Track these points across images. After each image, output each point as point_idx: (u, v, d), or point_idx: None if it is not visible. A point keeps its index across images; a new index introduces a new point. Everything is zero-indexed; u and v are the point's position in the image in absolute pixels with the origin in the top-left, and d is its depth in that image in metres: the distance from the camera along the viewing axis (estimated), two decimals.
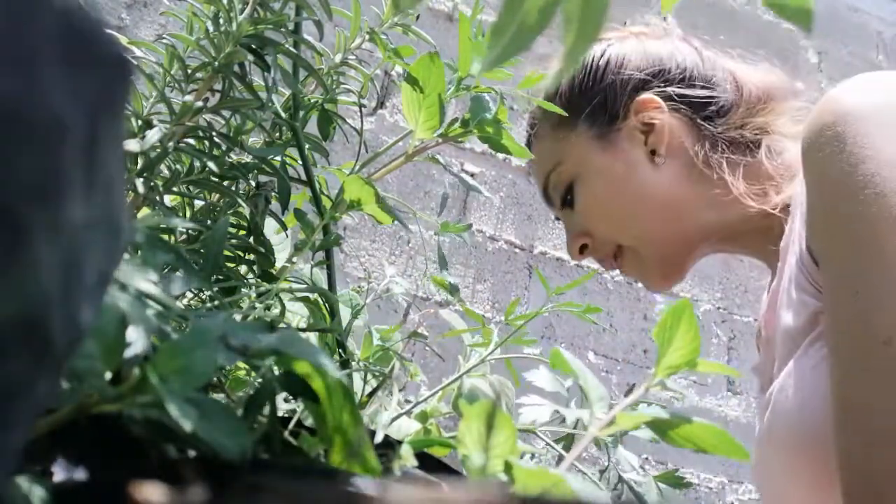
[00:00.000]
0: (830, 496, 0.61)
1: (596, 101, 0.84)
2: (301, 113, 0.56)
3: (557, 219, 0.95)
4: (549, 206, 0.92)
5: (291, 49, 0.53)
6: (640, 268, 0.87)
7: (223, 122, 0.54)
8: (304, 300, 0.55)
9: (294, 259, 0.57)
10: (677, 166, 0.82)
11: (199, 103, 0.50)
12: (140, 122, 0.50)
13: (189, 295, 0.51)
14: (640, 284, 1.98)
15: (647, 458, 1.72)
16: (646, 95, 0.83)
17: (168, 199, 0.53)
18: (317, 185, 0.57)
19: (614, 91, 0.84)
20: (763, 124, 0.82)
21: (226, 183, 0.53)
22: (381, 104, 1.88)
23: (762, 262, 0.87)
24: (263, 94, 0.52)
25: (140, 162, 0.48)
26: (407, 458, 0.31)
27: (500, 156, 1.91)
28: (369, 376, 0.60)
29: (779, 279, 0.74)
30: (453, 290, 0.63)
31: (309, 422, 0.32)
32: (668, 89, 0.83)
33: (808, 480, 0.63)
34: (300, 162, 0.57)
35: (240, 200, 0.53)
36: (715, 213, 0.81)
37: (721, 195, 0.79)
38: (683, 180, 0.82)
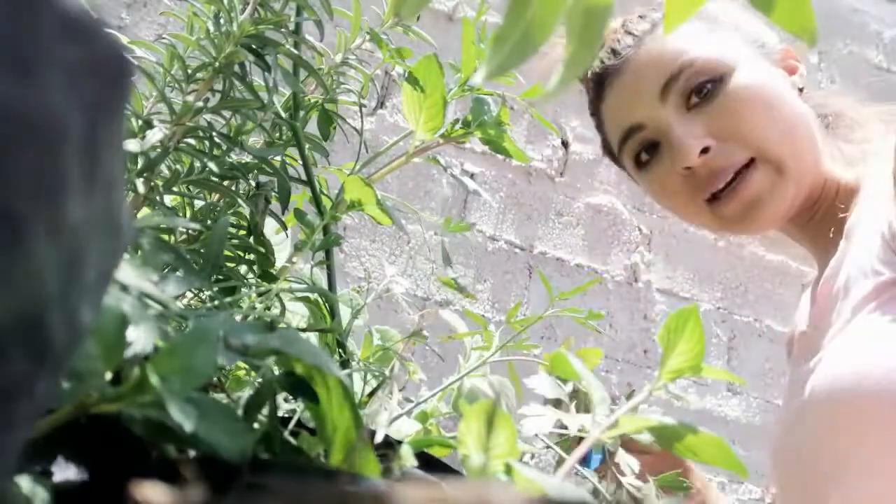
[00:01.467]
0: None
1: (762, 26, 0.85)
2: (301, 113, 0.56)
3: (633, 131, 0.84)
4: (657, 98, 0.82)
5: (292, 49, 0.53)
6: (763, 191, 0.79)
7: (223, 122, 0.54)
8: (304, 300, 0.55)
9: (294, 259, 0.57)
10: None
11: (200, 103, 0.50)
12: (140, 122, 0.50)
13: (189, 295, 0.51)
14: (640, 284, 1.98)
15: None
16: (787, 46, 0.85)
17: (168, 199, 0.53)
18: (317, 185, 0.57)
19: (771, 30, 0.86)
20: (841, 106, 0.85)
21: (226, 183, 0.53)
22: (381, 104, 1.88)
23: (808, 249, 0.88)
24: (264, 94, 0.52)
25: (140, 162, 0.48)
26: (407, 458, 0.31)
27: (501, 156, 1.91)
28: (369, 376, 0.60)
29: (841, 255, 0.75)
30: (461, 288, 0.63)
31: (307, 419, 0.32)
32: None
33: (876, 439, 0.64)
34: (300, 162, 0.57)
35: (240, 200, 0.53)
36: (831, 166, 0.82)
37: (829, 154, 0.82)
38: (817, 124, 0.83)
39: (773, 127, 0.79)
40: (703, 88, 0.79)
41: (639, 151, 0.86)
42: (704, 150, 0.79)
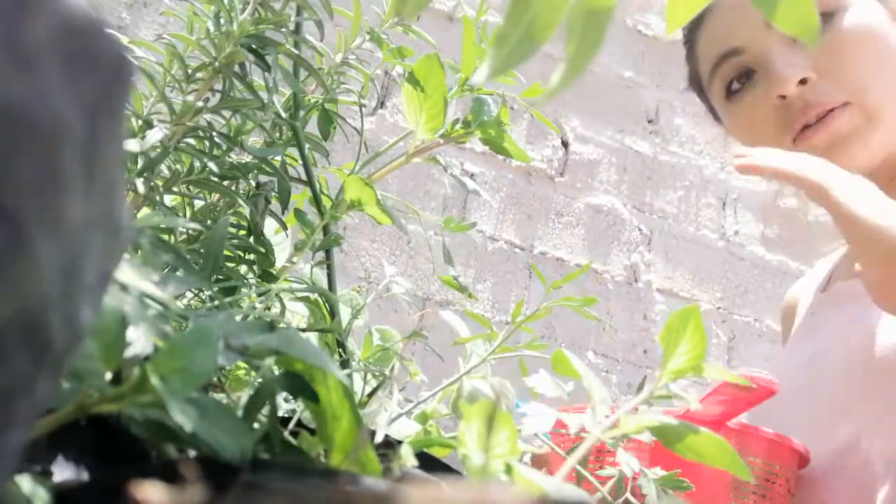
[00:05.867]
0: None
1: None
2: (301, 113, 0.56)
3: (730, 55, 0.83)
4: (763, 23, 0.80)
5: (292, 49, 0.53)
6: (851, 133, 0.79)
7: (223, 122, 0.54)
8: (304, 300, 0.55)
9: (294, 259, 0.57)
10: None
11: (200, 103, 0.50)
12: (140, 122, 0.50)
13: (189, 295, 0.51)
14: (640, 284, 1.98)
15: None
16: None
17: (168, 199, 0.53)
18: (317, 185, 0.57)
19: None
20: None
21: (226, 183, 0.53)
22: (381, 104, 1.88)
23: None
24: (264, 94, 0.52)
25: (140, 162, 0.48)
26: (407, 458, 0.31)
27: (501, 156, 1.91)
28: (369, 376, 0.60)
29: None
30: (463, 289, 0.63)
31: (307, 419, 0.32)
32: None
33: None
34: (300, 162, 0.57)
35: (240, 200, 0.53)
36: None
37: None
38: None
39: (877, 75, 0.79)
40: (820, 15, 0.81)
41: (732, 79, 0.85)
42: (803, 81, 0.79)
